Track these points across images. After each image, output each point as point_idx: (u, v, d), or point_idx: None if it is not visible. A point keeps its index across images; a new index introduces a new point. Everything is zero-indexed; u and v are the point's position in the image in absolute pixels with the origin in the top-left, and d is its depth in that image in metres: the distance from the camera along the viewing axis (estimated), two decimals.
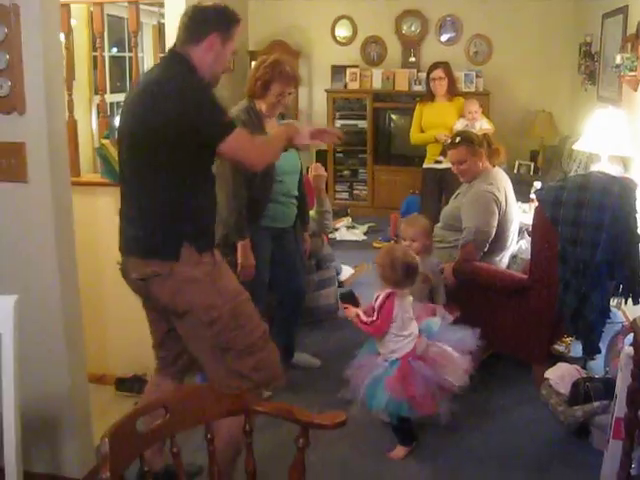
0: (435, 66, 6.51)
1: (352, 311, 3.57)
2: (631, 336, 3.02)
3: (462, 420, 3.91)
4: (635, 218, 3.88)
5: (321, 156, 8.83)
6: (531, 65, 8.69)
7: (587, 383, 3.68)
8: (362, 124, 9.08)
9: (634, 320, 2.89)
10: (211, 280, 2.72)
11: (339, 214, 8.41)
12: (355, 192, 9.30)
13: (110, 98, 6.21)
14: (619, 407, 3.09)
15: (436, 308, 3.77)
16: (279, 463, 2.81)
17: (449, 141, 6.10)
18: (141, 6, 4.63)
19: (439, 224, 4.75)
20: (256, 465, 2.20)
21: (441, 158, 6.29)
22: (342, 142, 3.20)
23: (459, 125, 6.26)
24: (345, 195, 9.31)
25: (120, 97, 7.04)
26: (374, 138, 9.06)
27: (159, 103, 2.59)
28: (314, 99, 9.49)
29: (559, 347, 4.64)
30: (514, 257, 4.72)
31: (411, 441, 3.66)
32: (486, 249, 4.38)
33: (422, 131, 6.55)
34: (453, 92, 6.53)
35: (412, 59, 9.08)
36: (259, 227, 3.92)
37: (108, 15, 6.11)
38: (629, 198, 3.88)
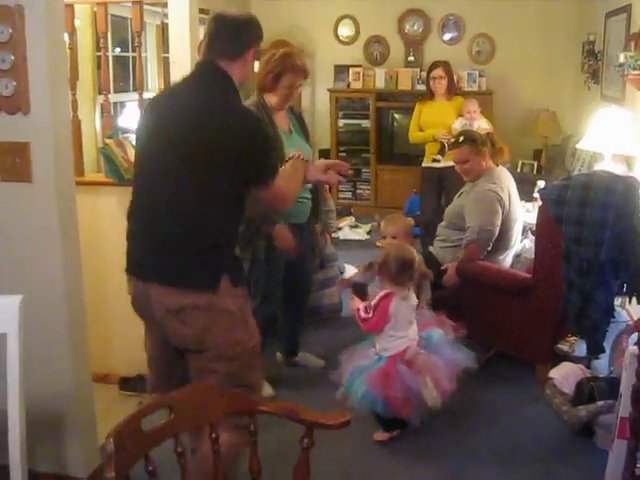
0: (435, 65, 6.51)
1: (356, 303, 3.60)
2: (635, 335, 3.02)
3: (465, 420, 3.92)
4: (638, 217, 3.87)
5: (324, 156, 8.82)
6: (534, 64, 8.67)
7: (591, 382, 3.68)
8: (365, 123, 9.07)
9: (639, 319, 2.89)
10: (243, 315, 2.60)
11: (342, 213, 8.42)
12: (358, 191, 9.29)
13: (114, 98, 6.20)
14: (624, 406, 3.09)
15: (445, 321, 3.73)
16: (284, 463, 2.81)
17: (451, 140, 6.12)
18: (145, 6, 4.63)
19: (442, 223, 4.75)
20: (260, 465, 2.20)
21: (439, 157, 6.30)
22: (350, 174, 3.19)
23: (458, 124, 6.27)
24: (348, 194, 9.29)
25: (124, 97, 7.05)
26: (377, 137, 9.05)
27: (220, 133, 2.47)
28: (317, 98, 9.48)
29: (563, 346, 4.63)
30: (518, 256, 4.72)
31: (394, 428, 3.68)
32: (490, 248, 4.38)
33: (421, 130, 6.56)
34: (452, 91, 6.54)
35: (415, 58, 9.07)
36: (262, 232, 3.92)
37: (112, 15, 6.11)
38: (633, 197, 3.87)
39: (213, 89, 2.58)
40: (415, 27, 9.12)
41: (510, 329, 4.34)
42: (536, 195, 5.26)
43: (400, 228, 4.17)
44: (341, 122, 9.13)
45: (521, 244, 4.77)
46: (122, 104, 7.07)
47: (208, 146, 2.46)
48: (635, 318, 4.89)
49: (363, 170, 9.21)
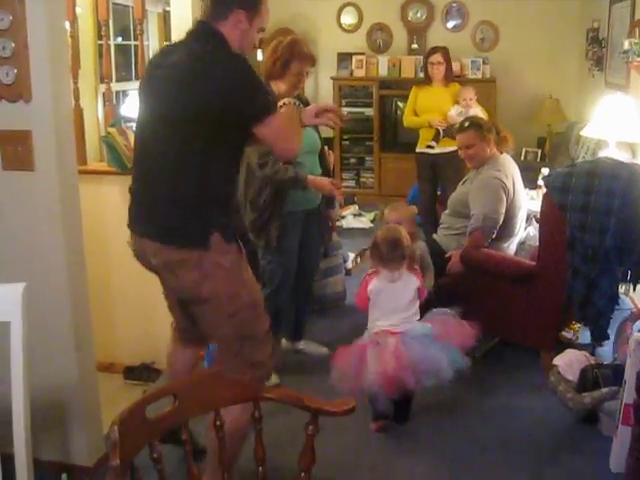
0: (434, 50, 6.49)
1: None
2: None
3: (469, 407, 3.92)
4: None
5: (327, 143, 8.77)
6: (538, 51, 8.64)
7: (596, 369, 3.67)
8: (368, 111, 9.05)
9: None
10: (238, 269, 2.66)
11: (346, 202, 8.39)
12: (362, 180, 9.28)
13: (116, 86, 6.20)
14: (628, 393, 3.09)
15: (465, 329, 3.60)
16: (289, 449, 2.82)
17: (444, 126, 6.12)
18: None
19: (447, 211, 4.74)
20: (265, 452, 2.20)
21: (433, 143, 6.29)
22: (345, 125, 3.17)
23: (454, 112, 6.25)
24: (352, 183, 9.29)
25: (126, 86, 7.05)
26: (380, 125, 9.03)
27: (203, 81, 2.50)
28: (320, 86, 9.46)
29: (567, 334, 4.63)
30: (522, 244, 4.71)
31: (380, 418, 3.68)
32: (494, 236, 4.37)
33: (416, 115, 6.55)
34: (450, 78, 6.52)
35: (418, 46, 9.04)
36: (287, 213, 3.94)
37: (113, 3, 6.10)
38: (638, 184, 3.86)
39: (199, 42, 2.63)
40: (418, 14, 9.09)
41: (514, 317, 4.33)
42: (540, 182, 5.25)
43: (403, 215, 4.17)
44: (344, 110, 9.08)
45: (525, 232, 4.76)
46: (124, 93, 7.06)
47: (195, 93, 2.50)
48: (639, 305, 4.90)
49: (367, 158, 9.20)
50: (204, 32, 2.66)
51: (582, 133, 5.84)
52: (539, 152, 8.50)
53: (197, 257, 2.56)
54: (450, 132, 6.17)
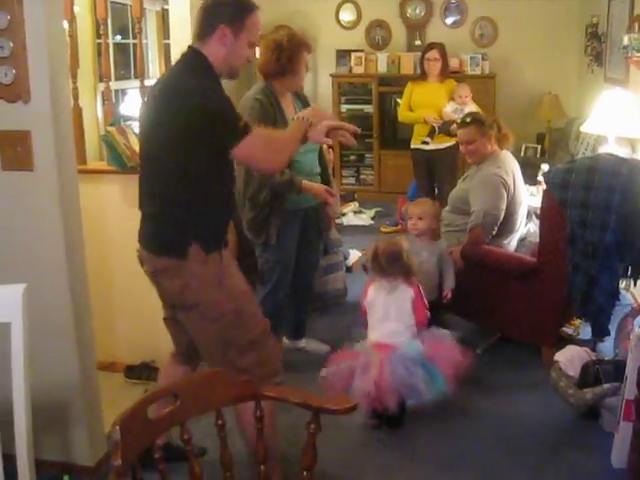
0: (430, 47, 6.52)
1: None
2: None
3: (471, 403, 3.92)
4: None
5: None
6: (537, 47, 8.63)
7: (597, 365, 3.67)
8: (368, 108, 9.03)
9: None
10: (218, 279, 2.74)
11: (346, 199, 8.40)
12: (362, 177, 9.27)
13: (115, 85, 6.19)
14: (629, 389, 3.09)
15: (453, 350, 3.57)
16: (290, 448, 2.82)
17: (439, 123, 6.12)
18: None
19: (447, 207, 4.74)
20: (267, 450, 2.20)
21: (428, 139, 6.30)
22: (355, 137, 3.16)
23: (449, 108, 6.28)
24: (352, 180, 9.28)
25: (125, 84, 7.04)
26: (380, 122, 9.02)
27: (175, 106, 2.61)
28: (319, 84, 9.45)
29: (568, 330, 4.63)
30: (522, 240, 4.71)
31: (373, 418, 3.67)
32: (494, 232, 4.37)
33: (411, 110, 6.56)
34: (446, 74, 6.55)
35: (417, 42, 9.01)
36: (286, 211, 3.93)
37: (111, 2, 6.09)
38: (638, 179, 3.85)
39: (181, 71, 2.76)
40: (417, 11, 9.07)
41: (515, 313, 4.33)
42: (540, 179, 5.25)
43: (426, 209, 4.20)
44: (344, 107, 9.09)
45: (525, 228, 4.76)
46: (123, 91, 7.06)
47: (168, 123, 2.62)
48: None
49: (366, 155, 9.19)
50: (187, 59, 2.77)
51: (582, 129, 5.84)
52: (539, 148, 8.49)
53: (176, 266, 2.71)
54: (445, 128, 6.18)
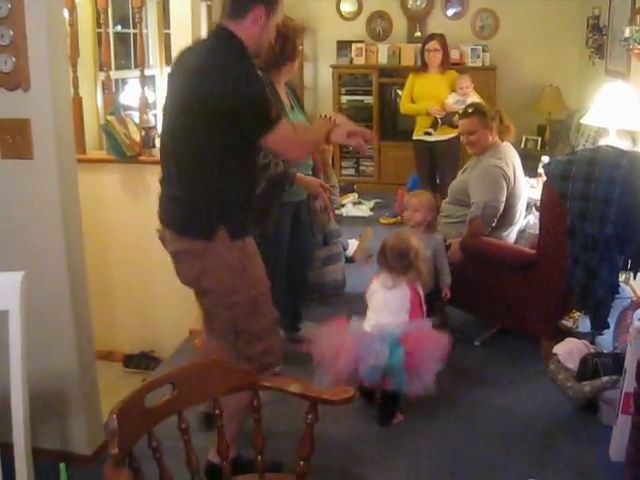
0: (431, 37, 6.50)
1: None
2: None
3: (469, 395, 3.92)
4: None
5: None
6: (538, 39, 8.61)
7: (596, 358, 3.67)
8: (368, 100, 9.01)
9: None
10: (239, 266, 2.76)
11: (345, 190, 8.39)
12: (361, 168, 9.26)
13: (115, 75, 6.17)
14: (628, 382, 3.09)
15: (438, 341, 3.53)
16: (288, 438, 2.82)
17: (442, 114, 6.11)
18: None
19: (447, 199, 4.74)
20: (265, 440, 2.20)
21: (431, 130, 6.29)
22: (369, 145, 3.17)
23: (451, 99, 6.27)
24: (351, 171, 9.27)
25: (125, 74, 7.02)
26: (380, 114, 9.00)
27: (213, 90, 2.58)
28: (319, 75, 9.43)
29: (567, 322, 4.63)
30: (522, 232, 4.70)
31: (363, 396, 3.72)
32: (494, 224, 4.36)
33: (413, 102, 6.54)
34: (447, 65, 6.54)
35: (418, 34, 8.97)
36: (281, 204, 3.92)
37: None
38: (638, 171, 3.85)
39: (217, 50, 2.71)
40: (418, 2, 9.04)
41: (514, 305, 4.33)
42: (540, 171, 5.24)
43: (423, 201, 4.20)
44: (344, 98, 9.08)
45: (525, 220, 4.75)
46: (123, 81, 7.04)
47: (204, 104, 2.59)
48: (639, 294, 4.90)
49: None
50: (220, 39, 2.74)
51: (582, 121, 5.83)
52: (539, 140, 8.48)
53: (202, 248, 2.71)
54: (448, 120, 6.17)
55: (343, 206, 7.98)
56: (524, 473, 3.16)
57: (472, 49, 8.57)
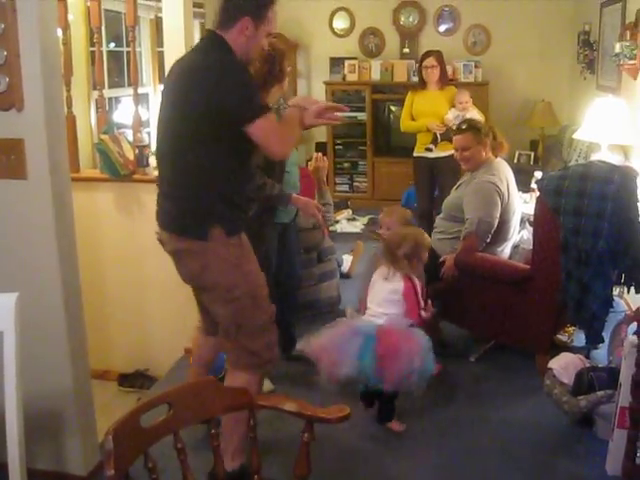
0: (427, 54, 6.49)
1: None
2: (634, 325, 3.01)
3: (465, 410, 3.92)
4: (636, 206, 3.87)
5: (321, 148, 8.80)
6: (530, 55, 8.67)
7: (591, 373, 3.67)
8: (361, 116, 9.04)
9: (638, 309, 2.89)
10: (237, 262, 2.85)
11: (339, 206, 8.40)
12: (355, 184, 9.28)
13: (108, 93, 6.18)
14: (623, 396, 3.09)
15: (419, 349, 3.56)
16: (284, 457, 2.81)
17: (442, 130, 6.11)
18: (138, 0, 4.61)
19: (441, 215, 4.74)
20: (261, 459, 2.19)
21: (431, 146, 6.28)
22: (342, 123, 3.24)
23: (451, 115, 6.25)
24: (345, 187, 9.29)
25: (119, 92, 7.03)
26: (373, 130, 9.04)
27: (201, 86, 2.67)
28: (313, 91, 9.45)
29: (562, 337, 4.63)
30: (516, 247, 4.71)
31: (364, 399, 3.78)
32: (488, 240, 4.37)
33: (413, 119, 6.55)
34: (445, 81, 6.51)
35: (410, 50, 9.04)
36: (269, 223, 3.92)
37: (105, 10, 6.08)
38: (630, 186, 3.86)
39: (205, 49, 2.85)
40: (410, 19, 9.10)
41: (509, 320, 4.33)
42: (533, 186, 5.26)
43: (394, 219, 4.21)
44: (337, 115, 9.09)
45: (519, 235, 4.76)
46: (117, 99, 7.04)
47: (193, 98, 2.68)
48: (633, 308, 4.90)
49: (360, 163, 9.20)
50: (209, 41, 2.86)
51: (574, 136, 5.85)
52: (532, 155, 8.51)
53: (198, 247, 2.79)
54: (448, 135, 6.16)
55: (337, 222, 7.98)
56: None
57: (464, 65, 8.61)
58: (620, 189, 3.82)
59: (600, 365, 3.90)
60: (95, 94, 5.45)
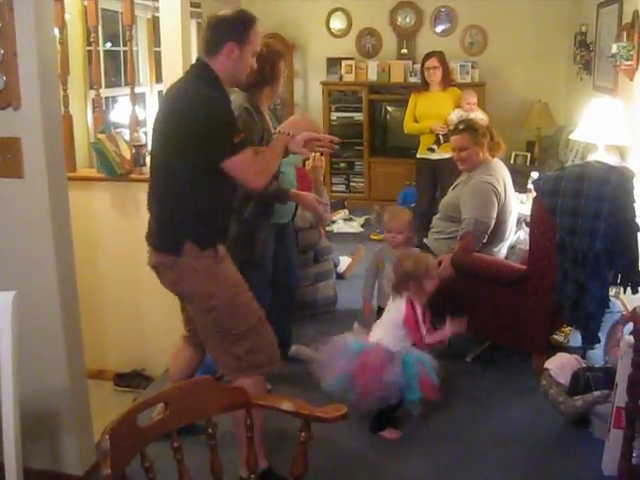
0: (429, 55, 6.46)
1: None
2: (630, 325, 3.02)
3: (462, 411, 3.92)
4: (633, 207, 3.87)
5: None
6: (527, 55, 8.68)
7: (587, 373, 3.67)
8: (358, 116, 9.05)
9: (634, 309, 2.89)
10: (211, 272, 2.89)
11: (336, 206, 8.40)
12: (352, 184, 9.28)
13: (105, 93, 6.17)
14: (620, 396, 3.10)
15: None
16: (281, 457, 2.81)
17: (445, 131, 6.11)
18: (135, 0, 4.60)
19: (438, 215, 4.75)
20: (257, 459, 2.19)
21: (434, 147, 6.27)
22: (337, 151, 3.27)
23: (454, 116, 6.23)
24: (342, 187, 9.28)
25: (115, 92, 7.02)
26: (370, 130, 9.03)
27: (179, 118, 2.77)
28: (309, 92, 9.46)
29: (558, 337, 4.64)
30: (512, 247, 4.72)
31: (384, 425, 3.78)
32: (485, 240, 4.37)
33: (416, 121, 6.53)
34: (448, 82, 6.49)
35: (407, 50, 9.06)
36: (265, 224, 3.91)
37: (102, 9, 6.06)
38: (627, 187, 3.87)
39: (188, 78, 2.93)
40: (407, 19, 9.10)
41: (505, 320, 4.33)
42: (530, 186, 5.26)
43: (404, 222, 4.19)
44: (334, 115, 9.11)
45: (515, 235, 4.77)
46: (114, 99, 7.03)
47: (172, 124, 2.80)
48: (629, 308, 4.91)
49: (356, 163, 9.20)
50: (196, 70, 2.93)
51: (571, 137, 5.86)
52: (528, 156, 8.52)
53: (172, 261, 2.87)
54: (450, 137, 6.15)
55: (334, 222, 7.98)
56: None
57: (461, 65, 8.61)
58: (616, 189, 3.82)
59: (596, 365, 3.91)
60: (92, 93, 5.45)
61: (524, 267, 4.24)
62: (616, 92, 5.69)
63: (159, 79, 6.25)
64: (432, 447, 3.61)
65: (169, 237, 2.89)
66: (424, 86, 6.51)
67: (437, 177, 6.37)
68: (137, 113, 4.88)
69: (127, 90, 5.05)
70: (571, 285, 3.97)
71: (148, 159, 3.25)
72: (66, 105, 4.39)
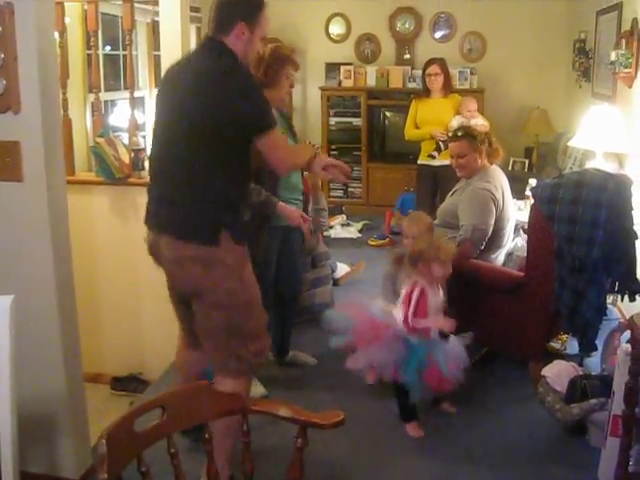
0: (431, 62, 6.47)
1: None
2: (628, 333, 3.02)
3: (458, 418, 3.92)
4: (631, 215, 3.88)
5: None
6: (525, 62, 8.69)
7: (584, 380, 3.68)
8: (356, 121, 9.06)
9: (632, 317, 2.89)
10: (239, 267, 2.85)
11: (334, 212, 8.39)
12: (350, 190, 9.27)
13: (104, 96, 6.18)
14: (616, 404, 3.10)
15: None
16: (277, 463, 2.81)
17: (445, 137, 6.11)
18: (135, 4, 4.61)
19: (435, 221, 4.74)
20: (254, 465, 2.19)
21: (435, 153, 6.27)
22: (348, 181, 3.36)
23: (455, 123, 6.23)
24: (340, 193, 9.28)
25: (115, 95, 7.03)
26: (368, 135, 9.04)
27: (215, 92, 2.68)
28: (308, 97, 9.47)
29: (555, 344, 4.64)
30: (510, 254, 4.71)
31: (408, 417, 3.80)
32: (483, 247, 4.37)
33: (417, 127, 6.53)
34: (448, 88, 6.49)
35: (406, 56, 9.08)
36: (265, 228, 3.91)
37: (102, 13, 6.07)
38: (624, 194, 3.87)
39: (209, 56, 2.82)
40: (406, 25, 9.11)
41: (502, 327, 4.33)
42: (528, 193, 5.26)
43: (423, 228, 4.16)
44: (332, 120, 9.12)
45: (513, 242, 4.77)
46: (113, 103, 7.05)
47: (203, 107, 2.69)
48: (627, 316, 4.91)
49: (354, 168, 9.17)
50: (213, 47, 2.83)
51: (569, 144, 5.87)
52: (527, 162, 8.53)
53: (205, 252, 2.76)
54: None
55: (331, 228, 7.98)
56: None
57: (460, 72, 8.62)
58: (614, 197, 3.82)
59: (593, 373, 3.91)
60: (91, 97, 5.46)
61: (521, 274, 4.24)
62: (615, 99, 5.69)
63: (158, 83, 6.26)
64: (427, 454, 3.61)
65: (204, 225, 2.77)
66: (425, 93, 6.52)
67: (437, 184, 6.37)
68: (136, 117, 4.88)
69: (126, 94, 5.06)
70: (568, 292, 3.97)
71: (147, 161, 3.18)
72: (65, 109, 4.39)
